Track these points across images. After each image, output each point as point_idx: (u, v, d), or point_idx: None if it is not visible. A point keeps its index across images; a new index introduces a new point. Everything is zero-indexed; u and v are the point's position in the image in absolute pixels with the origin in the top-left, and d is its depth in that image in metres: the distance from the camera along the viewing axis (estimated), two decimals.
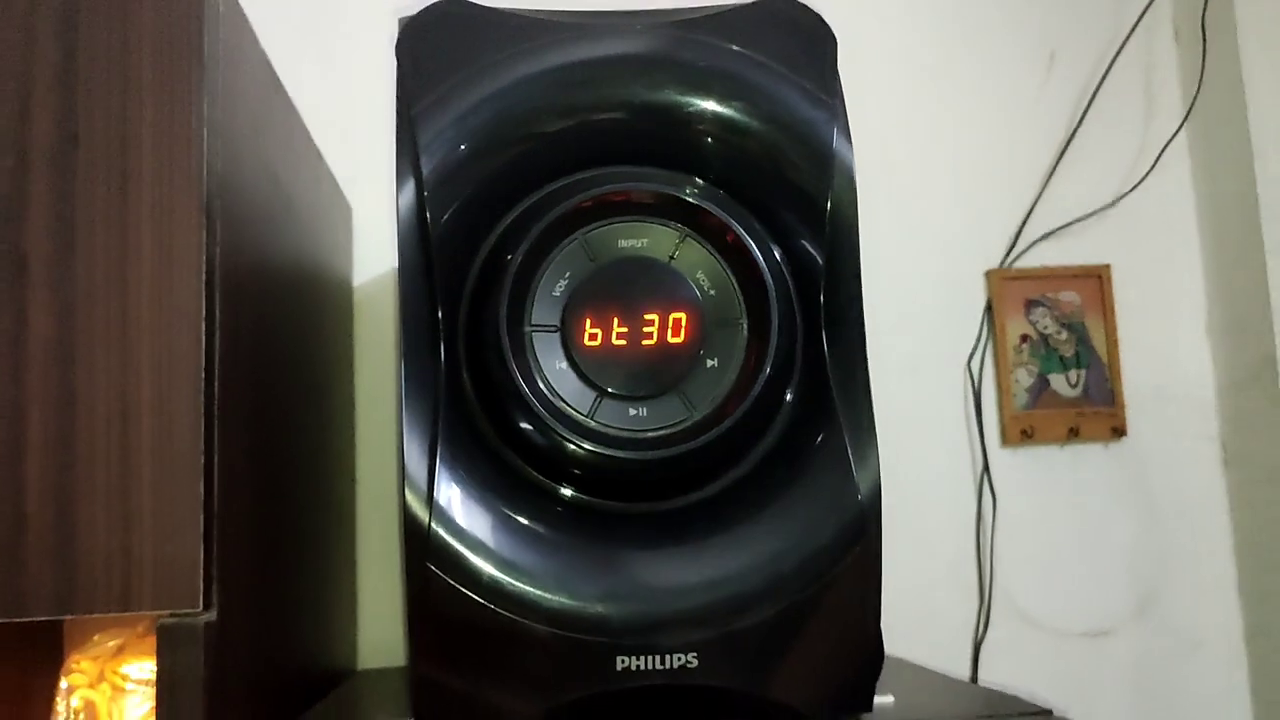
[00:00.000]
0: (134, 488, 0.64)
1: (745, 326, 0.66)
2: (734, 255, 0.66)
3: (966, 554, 1.21)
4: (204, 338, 0.66)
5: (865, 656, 0.67)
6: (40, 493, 0.64)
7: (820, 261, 0.68)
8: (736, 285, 0.66)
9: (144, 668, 0.86)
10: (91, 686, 0.87)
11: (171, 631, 0.64)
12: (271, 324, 0.83)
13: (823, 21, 0.72)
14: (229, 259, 0.70)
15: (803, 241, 0.68)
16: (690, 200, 0.65)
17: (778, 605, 0.64)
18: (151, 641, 0.87)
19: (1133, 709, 1.19)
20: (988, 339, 1.25)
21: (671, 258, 0.66)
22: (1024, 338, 1.25)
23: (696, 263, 0.66)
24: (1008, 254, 1.26)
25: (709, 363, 0.66)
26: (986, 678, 1.18)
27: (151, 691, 0.84)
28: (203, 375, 0.65)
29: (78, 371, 0.65)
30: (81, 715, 0.87)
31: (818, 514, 0.65)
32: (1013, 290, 1.25)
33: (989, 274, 1.26)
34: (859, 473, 0.65)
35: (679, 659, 0.63)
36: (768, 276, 0.65)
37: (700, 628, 0.63)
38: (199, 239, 0.66)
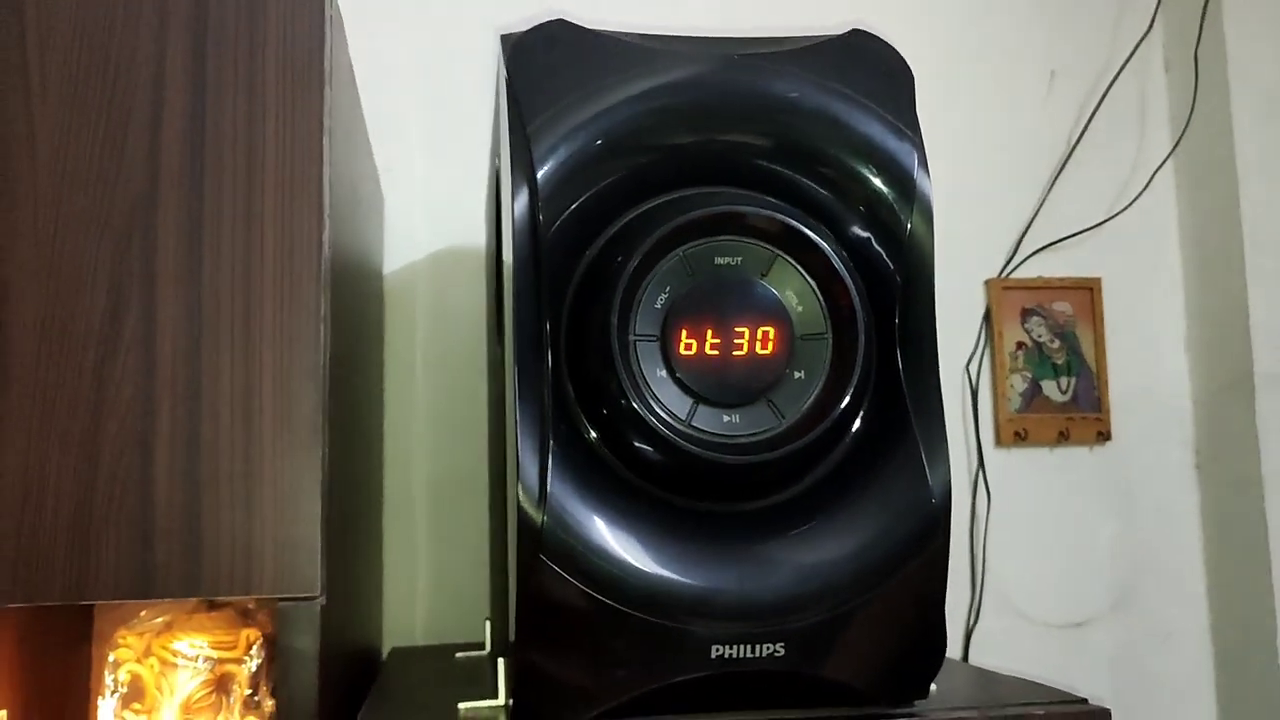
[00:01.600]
0: (256, 477, 0.68)
1: (830, 341, 0.71)
2: (821, 275, 0.71)
3: (960, 547, 1.29)
4: (323, 335, 0.69)
5: (929, 647, 0.73)
6: (169, 481, 0.67)
7: (898, 282, 0.73)
8: (823, 303, 0.71)
9: (195, 643, 0.89)
10: (138, 661, 0.90)
11: (293, 614, 0.67)
12: (346, 319, 0.86)
13: (901, 57, 0.77)
14: (334, 261, 0.74)
15: (882, 264, 0.73)
16: (785, 223, 0.70)
17: (857, 600, 0.70)
18: (200, 619, 0.91)
19: (1109, 694, 1.27)
20: (986, 345, 1.32)
21: (764, 275, 0.71)
22: (1020, 345, 1.32)
23: (786, 281, 0.71)
24: (1006, 264, 1.34)
25: (796, 374, 0.71)
26: (976, 663, 1.26)
27: (199, 667, 0.87)
28: (323, 370, 0.69)
29: (204, 365, 0.68)
30: (127, 688, 0.89)
31: (894, 515, 0.71)
32: (1010, 299, 1.33)
33: (989, 283, 1.33)
34: (932, 478, 0.71)
35: (768, 648, 0.68)
36: (855, 297, 0.70)
37: (788, 619, 0.69)
38: (318, 242, 0.70)
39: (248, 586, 0.67)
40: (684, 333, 0.70)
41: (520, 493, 0.67)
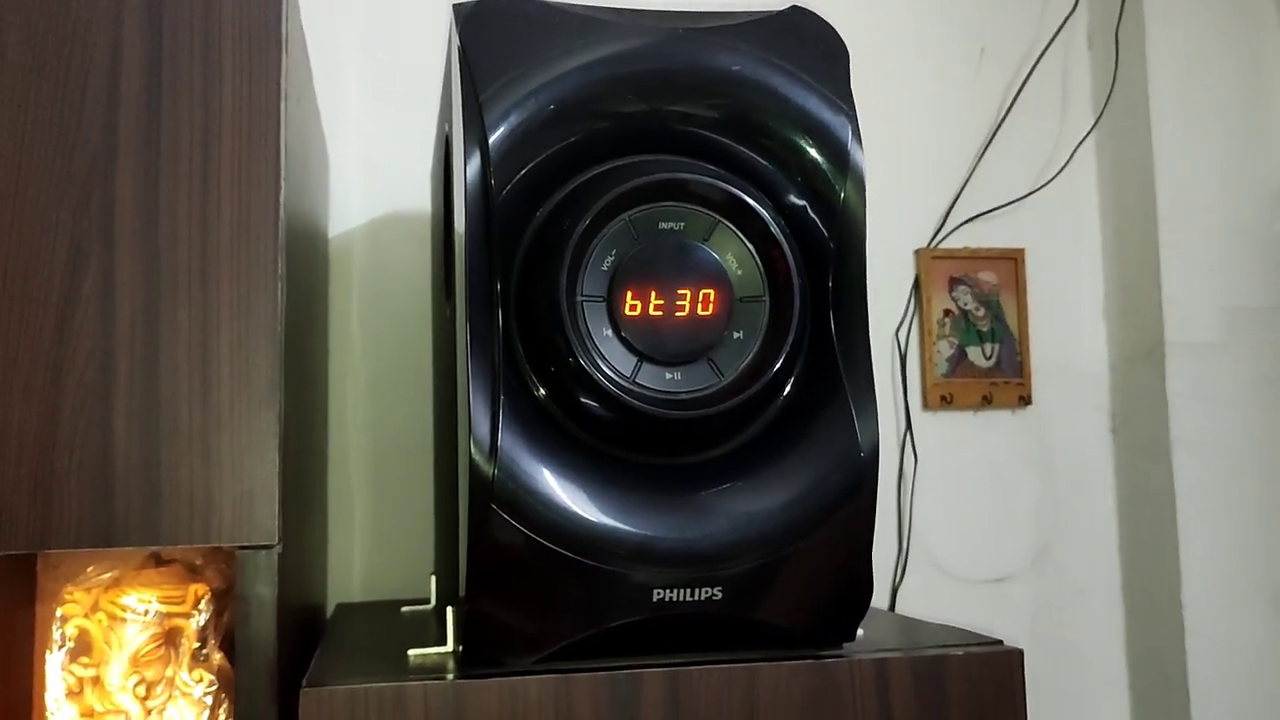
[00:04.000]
0: (214, 430, 0.70)
1: (768, 304, 0.75)
2: (760, 241, 0.75)
3: (888, 506, 1.34)
4: (279, 294, 0.71)
5: (856, 593, 0.77)
6: (128, 432, 0.69)
7: (832, 248, 0.77)
8: (761, 267, 0.75)
9: (143, 598, 0.91)
10: (86, 616, 0.91)
11: (251, 562, 0.70)
12: (299, 279, 0.88)
13: (837, 34, 0.81)
14: (289, 224, 0.76)
15: (817, 231, 0.77)
16: (726, 190, 0.74)
17: (789, 547, 0.74)
18: (149, 574, 0.93)
19: (1028, 646, 1.33)
20: (914, 312, 1.37)
21: (705, 240, 0.75)
22: (946, 312, 1.38)
23: (727, 245, 0.75)
24: (935, 235, 1.39)
25: (735, 335, 0.75)
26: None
27: (148, 621, 0.89)
28: (279, 327, 0.71)
29: (162, 321, 0.70)
30: (74, 643, 0.90)
31: (825, 468, 0.75)
32: (939, 268, 1.38)
33: (918, 253, 1.38)
34: (861, 432, 0.76)
35: (706, 592, 0.73)
36: (791, 262, 0.74)
37: (725, 565, 0.73)
38: (274, 204, 0.72)
39: (206, 535, 0.69)
40: (629, 294, 0.73)
41: (472, 446, 0.70)
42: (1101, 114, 1.42)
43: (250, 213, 0.71)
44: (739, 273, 0.75)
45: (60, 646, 0.90)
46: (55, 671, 0.90)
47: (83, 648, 0.90)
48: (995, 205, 1.40)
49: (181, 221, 0.71)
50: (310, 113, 0.95)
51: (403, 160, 1.26)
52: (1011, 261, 1.40)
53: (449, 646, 0.79)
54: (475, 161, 0.73)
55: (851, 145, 0.78)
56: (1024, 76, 1.42)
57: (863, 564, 0.77)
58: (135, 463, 0.68)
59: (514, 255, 0.74)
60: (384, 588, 1.22)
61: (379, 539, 1.24)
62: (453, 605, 0.80)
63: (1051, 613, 1.37)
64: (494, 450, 0.70)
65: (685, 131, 0.77)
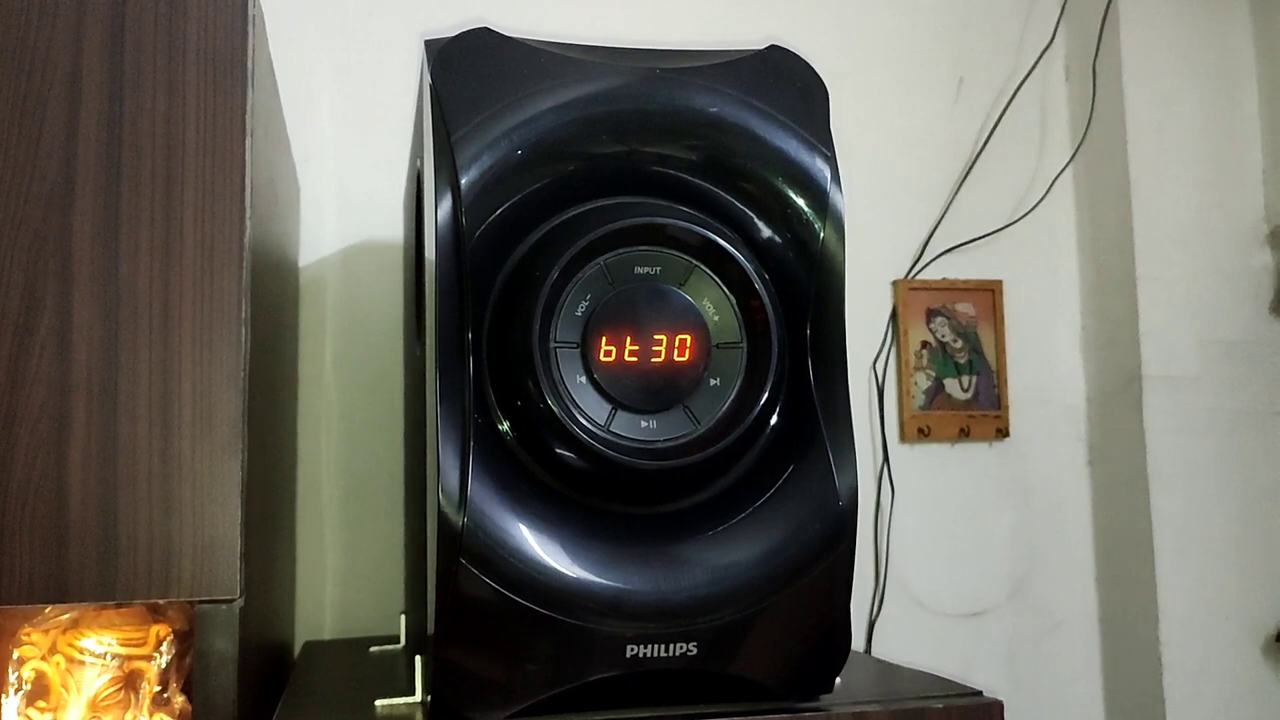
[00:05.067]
0: (174, 479, 0.68)
1: (745, 350, 0.74)
2: (737, 285, 0.73)
3: (865, 540, 1.33)
4: (243, 338, 0.69)
5: (834, 645, 0.76)
6: (84, 483, 0.66)
7: (811, 293, 0.76)
8: (738, 312, 0.74)
9: (102, 640, 0.88)
10: (43, 659, 0.89)
11: (211, 616, 0.68)
12: (266, 315, 0.86)
13: (816, 74, 0.80)
14: (254, 257, 0.74)
15: (796, 275, 0.76)
16: (703, 234, 0.72)
17: (766, 600, 0.72)
18: (109, 615, 0.90)
19: (1005, 681, 1.33)
20: (892, 344, 1.36)
21: (682, 285, 0.73)
22: (924, 344, 1.37)
23: (703, 290, 0.73)
24: (913, 266, 1.38)
25: (712, 381, 0.73)
26: (880, 651, 1.30)
27: (107, 664, 0.87)
28: (243, 370, 0.69)
29: (121, 363, 0.67)
30: (31, 685, 0.88)
31: (802, 518, 0.74)
32: (916, 300, 1.37)
33: (896, 284, 1.37)
34: (840, 482, 0.74)
35: (681, 647, 0.71)
36: (769, 307, 0.73)
37: (700, 619, 0.71)
38: (239, 244, 0.70)
39: (165, 590, 0.67)
40: (604, 340, 0.71)
41: (440, 496, 0.68)
42: (1079, 146, 1.42)
43: (214, 253, 0.69)
44: (716, 318, 0.74)
45: (17, 690, 0.87)
46: (11, 716, 0.87)
47: (40, 691, 0.88)
48: (973, 236, 1.39)
49: (143, 261, 0.68)
50: (278, 142, 0.93)
51: (376, 188, 1.24)
52: (989, 293, 1.39)
53: (417, 697, 0.77)
54: (447, 203, 0.71)
55: (831, 188, 0.77)
56: (1002, 108, 1.42)
57: (841, 614, 0.75)
58: (91, 514, 0.66)
59: (486, 299, 0.72)
60: (356, 625, 1.20)
61: (351, 576, 1.21)
62: (421, 652, 0.78)
63: (1028, 647, 1.36)
64: (463, 501, 0.68)
65: (662, 174, 0.75)
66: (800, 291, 0.76)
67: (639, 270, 0.73)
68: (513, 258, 0.73)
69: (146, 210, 0.69)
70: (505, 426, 0.71)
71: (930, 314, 1.37)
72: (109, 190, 0.68)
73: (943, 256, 1.39)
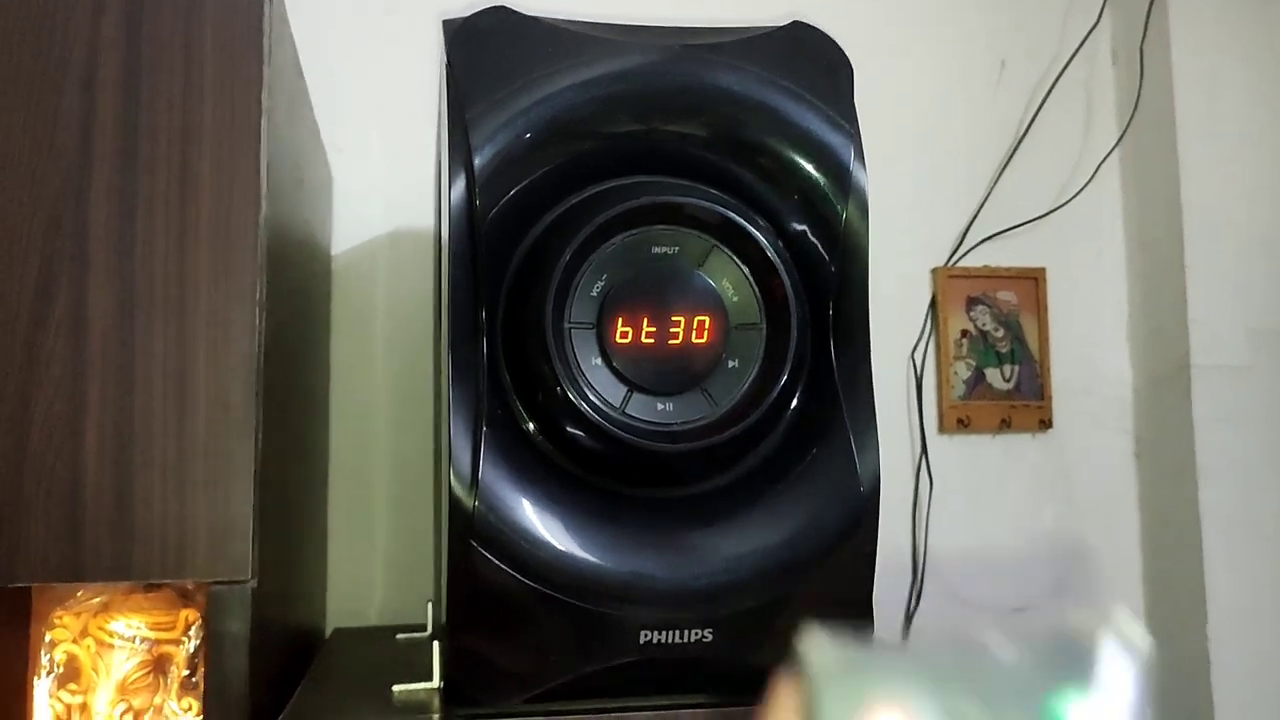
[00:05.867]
0: (189, 460, 0.67)
1: (764, 331, 0.72)
2: (757, 266, 0.72)
3: (902, 533, 1.30)
4: (257, 318, 0.69)
5: (857, 634, 0.74)
6: (99, 463, 0.66)
7: (833, 272, 0.74)
8: (758, 293, 0.72)
9: (131, 624, 0.88)
10: (75, 641, 0.89)
11: (224, 598, 0.67)
12: (289, 300, 0.86)
13: (840, 50, 0.78)
14: (273, 242, 0.73)
15: (817, 255, 0.74)
16: (722, 213, 0.71)
17: (784, 587, 0.71)
18: (138, 599, 0.90)
19: None
20: (931, 333, 1.34)
21: (700, 265, 0.72)
22: (964, 333, 1.34)
23: (722, 271, 0.72)
24: (953, 253, 1.35)
25: (730, 363, 0.72)
26: None
27: (136, 648, 0.87)
28: (257, 353, 0.69)
29: (136, 347, 0.67)
30: (63, 669, 0.89)
31: (822, 504, 0.72)
32: (956, 288, 1.34)
33: (935, 271, 1.35)
34: (861, 467, 0.72)
35: (696, 634, 0.69)
36: (789, 287, 0.71)
37: (716, 606, 0.70)
38: (254, 224, 0.69)
39: (180, 570, 0.67)
40: (620, 321, 0.70)
41: (452, 478, 0.67)
42: (1126, 130, 1.38)
43: (230, 234, 0.69)
44: (735, 299, 0.72)
45: (49, 673, 0.88)
46: (43, 698, 0.88)
47: (71, 674, 0.88)
48: (1015, 223, 1.36)
49: (159, 242, 0.68)
50: (303, 127, 0.93)
51: (409, 177, 1.24)
52: (1032, 281, 1.36)
53: (435, 682, 0.76)
54: (460, 184, 0.70)
55: (854, 165, 0.75)
56: (1046, 91, 1.38)
57: (862, 604, 0.74)
58: (106, 494, 0.66)
59: (501, 280, 0.71)
60: (396, 612, 1.19)
61: (392, 563, 1.21)
62: (439, 638, 0.77)
63: None
64: (474, 483, 0.67)
65: (681, 152, 0.74)
66: (822, 271, 0.74)
67: (656, 250, 0.72)
68: (528, 238, 0.72)
69: (163, 188, 0.69)
70: (520, 409, 0.71)
71: (970, 302, 1.34)
72: (125, 169, 0.68)
73: (984, 243, 1.35)
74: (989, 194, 1.36)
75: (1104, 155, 1.38)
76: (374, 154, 1.25)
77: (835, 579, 0.72)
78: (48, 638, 0.88)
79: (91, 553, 0.66)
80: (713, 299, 0.72)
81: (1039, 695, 0.25)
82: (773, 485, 0.72)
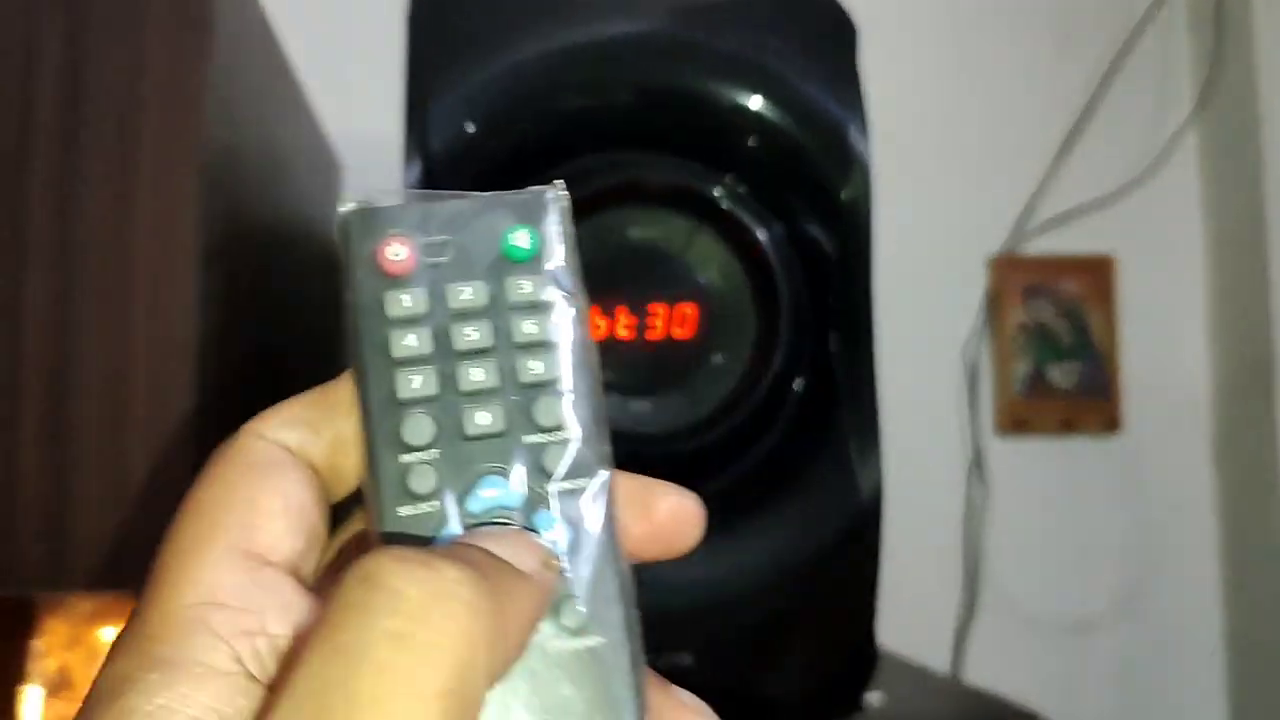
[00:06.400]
0: (128, 464, 0.63)
1: (754, 322, 0.65)
2: (747, 251, 0.65)
3: (954, 543, 1.22)
4: (199, 315, 0.65)
5: (857, 658, 0.66)
6: (35, 466, 0.63)
7: (832, 258, 0.67)
8: (748, 281, 0.65)
9: None
10: (66, 649, 0.88)
11: None
12: (265, 292, 0.82)
13: (842, 9, 0.70)
14: (226, 231, 0.69)
15: (816, 237, 0.67)
16: (707, 193, 0.64)
17: (772, 607, 0.64)
18: (128, 606, 0.87)
19: (1115, 705, 1.20)
20: (985, 326, 1.25)
21: (683, 250, 0.65)
22: (1022, 326, 1.24)
23: (709, 256, 0.65)
24: (1010, 239, 1.26)
25: (715, 359, 0.65)
26: (972, 668, 1.19)
27: None
28: (196, 351, 0.64)
29: (73, 344, 0.64)
30: (54, 677, 0.87)
31: (817, 515, 0.65)
32: (1014, 277, 1.25)
33: (990, 259, 1.26)
34: (861, 474, 0.65)
35: (672, 656, 0.63)
36: (780, 277, 0.64)
37: (695, 627, 0.63)
38: (196, 214, 0.65)
39: (118, 581, 0.63)
40: (593, 313, 0.64)
41: None
42: (1202, 102, 1.27)
43: (175, 223, 0.65)
44: (721, 288, 0.65)
45: (40, 681, 0.87)
46: (35, 706, 0.87)
47: (63, 682, 0.87)
48: (1080, 205, 1.26)
49: (97, 226, 0.64)
50: (283, 107, 0.89)
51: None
52: (1098, 269, 1.25)
53: None
54: (416, 166, 0.65)
55: (854, 137, 0.67)
56: (1113, 60, 1.28)
57: (864, 623, 0.66)
58: (41, 500, 0.62)
59: None
60: None
61: None
62: None
63: (1142, 666, 1.22)
64: None
65: (664, 124, 0.67)
66: (820, 257, 0.67)
67: (632, 234, 0.65)
68: None
69: (102, 179, 0.64)
70: None
71: (1029, 293, 1.25)
72: (64, 159, 0.64)
73: (1045, 228, 1.26)
74: (1050, 174, 1.26)
75: (1178, 128, 1.27)
76: (376, 142, 1.21)
77: (832, 595, 0.65)
78: (37, 646, 0.87)
79: (26, 560, 0.62)
80: (695, 287, 0.65)
81: (498, 231, 0.28)
82: (761, 495, 0.65)
